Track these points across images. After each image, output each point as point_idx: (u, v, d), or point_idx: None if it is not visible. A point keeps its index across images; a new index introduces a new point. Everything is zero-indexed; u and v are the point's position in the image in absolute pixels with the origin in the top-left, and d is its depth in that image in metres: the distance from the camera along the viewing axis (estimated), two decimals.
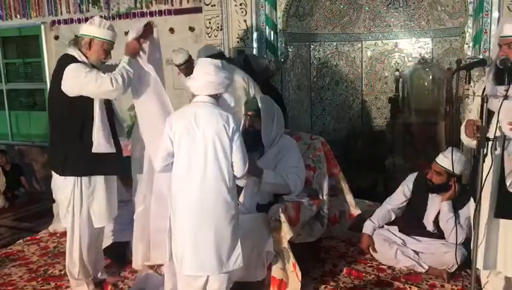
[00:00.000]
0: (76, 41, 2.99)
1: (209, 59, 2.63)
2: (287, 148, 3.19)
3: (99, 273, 3.30)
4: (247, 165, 2.57)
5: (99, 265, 3.29)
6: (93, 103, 2.93)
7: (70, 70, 2.86)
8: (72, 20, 6.41)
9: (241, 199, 3.15)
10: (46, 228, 4.42)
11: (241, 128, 3.32)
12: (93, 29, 2.94)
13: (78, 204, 3.03)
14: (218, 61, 2.59)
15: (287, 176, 3.04)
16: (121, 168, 3.16)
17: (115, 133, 3.11)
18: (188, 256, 2.51)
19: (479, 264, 2.54)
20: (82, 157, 2.98)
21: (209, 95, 2.55)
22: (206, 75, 2.52)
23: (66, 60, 2.94)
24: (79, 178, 3.01)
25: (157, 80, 3.01)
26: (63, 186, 3.05)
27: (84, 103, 2.91)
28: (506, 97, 2.26)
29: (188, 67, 4.60)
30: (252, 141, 3.18)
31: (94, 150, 2.95)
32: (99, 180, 3.06)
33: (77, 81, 2.84)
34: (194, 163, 2.48)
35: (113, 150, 3.01)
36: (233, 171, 2.53)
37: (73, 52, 2.95)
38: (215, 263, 2.49)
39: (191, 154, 2.49)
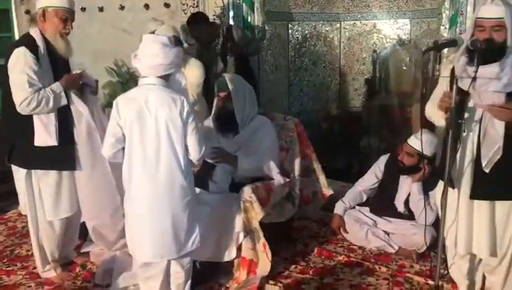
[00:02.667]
0: (32, 17, 2.81)
1: (155, 36, 2.39)
2: (263, 130, 3.17)
3: (69, 254, 3.25)
4: (204, 148, 2.46)
5: (69, 249, 3.24)
6: None
7: (12, 58, 2.69)
8: None
9: (214, 178, 3.12)
10: (15, 207, 4.33)
11: (213, 110, 3.28)
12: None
13: (29, 195, 2.93)
14: (165, 38, 2.37)
15: (262, 159, 3.02)
16: (70, 164, 2.89)
17: (68, 124, 2.86)
18: (147, 244, 2.44)
19: (451, 246, 2.57)
20: (26, 150, 2.80)
21: (159, 76, 2.38)
22: (153, 57, 2.32)
23: (18, 43, 2.79)
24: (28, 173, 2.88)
25: (90, 122, 2.88)
26: (15, 173, 2.96)
27: None
28: (474, 78, 2.25)
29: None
30: (226, 122, 3.15)
31: (36, 142, 2.78)
32: (50, 174, 2.89)
33: (11, 74, 2.69)
34: (148, 150, 2.37)
35: (54, 143, 2.79)
36: (189, 156, 2.43)
37: (32, 31, 2.77)
38: (173, 248, 2.43)
39: (143, 140, 2.36)
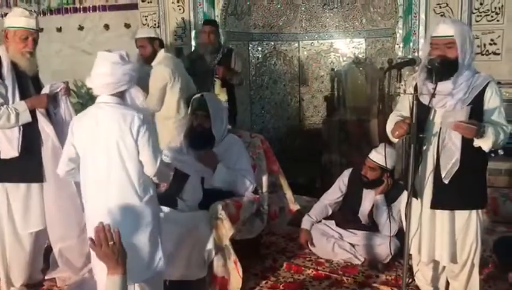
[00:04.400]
0: (1, 37, 2.87)
1: (105, 54, 2.33)
2: (236, 148, 3.25)
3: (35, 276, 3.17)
4: (159, 162, 2.37)
5: (34, 270, 3.15)
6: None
7: None
8: None
9: (184, 196, 3.14)
10: None
11: (187, 127, 3.32)
12: (6, 20, 2.84)
13: None
14: (115, 56, 2.31)
15: (239, 176, 3.14)
16: (37, 176, 2.90)
17: (35, 137, 2.87)
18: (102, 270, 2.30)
19: (415, 254, 2.68)
20: None
21: (111, 94, 2.34)
22: (101, 76, 2.30)
23: None
24: None
25: (54, 142, 2.89)
26: None
27: None
28: (433, 95, 2.39)
29: None
30: (201, 139, 3.19)
31: (1, 155, 2.82)
32: (19, 187, 2.90)
33: None
34: (99, 169, 2.34)
35: (16, 154, 2.81)
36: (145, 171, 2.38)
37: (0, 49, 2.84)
38: (134, 272, 2.19)
39: (95, 160, 2.34)
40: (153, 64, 4.08)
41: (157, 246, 2.46)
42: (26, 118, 2.81)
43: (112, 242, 1.72)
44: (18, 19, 2.83)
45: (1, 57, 2.82)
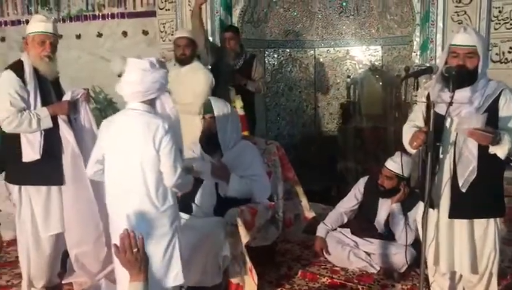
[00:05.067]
0: (23, 44, 2.98)
1: (135, 61, 2.33)
2: (249, 154, 3.23)
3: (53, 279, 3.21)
4: (178, 174, 2.34)
5: (52, 273, 3.19)
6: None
7: (0, 79, 2.85)
8: (19, 22, 6.20)
9: (197, 201, 3.15)
10: None
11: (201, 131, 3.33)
12: (28, 27, 2.93)
13: (20, 213, 2.97)
14: (145, 63, 2.31)
15: (253, 184, 3.12)
16: (57, 179, 2.94)
17: (55, 141, 2.92)
18: (123, 277, 2.26)
19: (431, 264, 2.65)
20: (17, 167, 2.92)
21: (141, 101, 2.35)
22: (131, 84, 2.31)
23: (6, 67, 2.91)
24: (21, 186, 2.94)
25: (74, 149, 2.92)
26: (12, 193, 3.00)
27: None
28: (451, 103, 2.37)
29: None
30: (209, 144, 3.20)
31: (23, 159, 2.88)
32: (41, 190, 2.95)
33: None
34: (120, 175, 2.36)
35: (37, 157, 2.87)
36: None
37: (22, 56, 2.92)
38: (151, 283, 2.09)
39: (117, 165, 2.37)
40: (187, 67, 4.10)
41: (174, 259, 2.40)
42: (47, 123, 2.87)
43: (136, 249, 1.74)
44: (36, 24, 2.91)
45: (23, 63, 2.89)
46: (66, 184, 2.96)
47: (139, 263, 1.74)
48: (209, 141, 3.17)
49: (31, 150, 2.88)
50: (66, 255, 3.23)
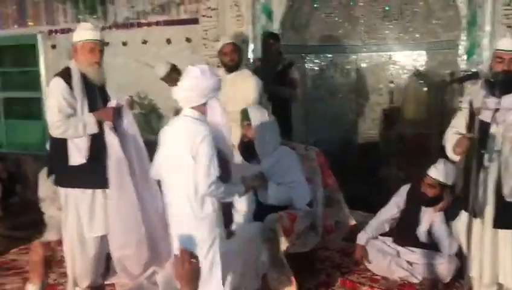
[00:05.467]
0: (70, 52, 3.13)
1: (190, 68, 2.47)
2: (287, 161, 3.22)
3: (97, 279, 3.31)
4: (211, 181, 2.36)
5: (97, 274, 3.29)
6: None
7: (49, 87, 3.03)
8: (69, 30, 6.40)
9: (237, 207, 3.17)
10: (40, 237, 4.39)
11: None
12: (74, 35, 3.05)
13: (66, 215, 3.09)
14: (197, 71, 2.42)
15: (291, 190, 3.13)
16: (101, 182, 3.04)
17: (101, 146, 3.01)
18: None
19: (476, 275, 2.57)
20: (63, 170, 3.04)
21: (192, 107, 2.47)
22: (183, 90, 2.45)
23: (56, 74, 3.04)
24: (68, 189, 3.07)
25: (119, 155, 3.00)
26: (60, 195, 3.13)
27: None
28: (497, 110, 2.30)
29: (171, 79, 4.55)
30: (247, 151, 3.22)
31: (70, 162, 3.00)
32: (85, 193, 3.06)
33: (47, 100, 3.03)
34: (169, 180, 2.51)
35: (83, 161, 2.98)
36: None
37: (70, 63, 3.04)
38: None
39: (167, 171, 2.51)
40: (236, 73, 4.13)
41: (215, 266, 2.44)
42: (92, 129, 2.98)
43: (193, 260, 1.78)
44: (84, 32, 3.03)
45: (71, 70, 3.01)
46: (110, 188, 3.05)
47: (193, 275, 1.78)
48: (247, 148, 3.20)
49: (77, 154, 3.00)
50: (109, 256, 3.33)
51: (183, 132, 2.45)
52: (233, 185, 2.59)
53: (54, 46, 6.58)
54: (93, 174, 3.03)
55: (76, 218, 3.08)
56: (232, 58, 4.11)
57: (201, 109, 2.48)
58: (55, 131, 2.96)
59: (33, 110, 7.12)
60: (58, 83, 2.97)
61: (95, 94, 3.10)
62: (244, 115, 3.20)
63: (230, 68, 4.12)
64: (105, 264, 3.37)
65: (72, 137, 2.98)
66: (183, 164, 2.40)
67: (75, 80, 3.00)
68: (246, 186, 2.74)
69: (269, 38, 4.75)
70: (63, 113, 2.93)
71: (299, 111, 6.00)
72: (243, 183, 2.72)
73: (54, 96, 2.96)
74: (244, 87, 4.00)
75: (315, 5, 5.81)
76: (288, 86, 4.57)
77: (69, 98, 2.97)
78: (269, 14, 5.27)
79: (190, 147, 2.38)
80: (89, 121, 2.97)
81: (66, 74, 3.00)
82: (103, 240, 3.17)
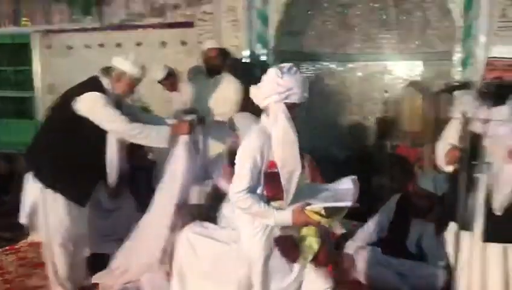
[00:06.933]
0: (107, 71, 3.11)
1: (269, 69, 2.28)
2: None
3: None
4: (236, 190, 2.27)
5: (78, 274, 3.25)
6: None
7: (87, 101, 2.99)
8: (64, 30, 6.41)
9: (225, 212, 3.13)
10: (26, 238, 4.34)
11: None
12: (127, 64, 3.06)
13: (41, 217, 3.08)
14: (271, 72, 2.23)
15: None
16: (79, 199, 3.09)
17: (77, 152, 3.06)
18: None
19: (463, 287, 2.54)
20: (49, 168, 3.06)
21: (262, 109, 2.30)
22: (254, 90, 2.30)
23: (90, 84, 3.07)
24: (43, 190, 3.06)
25: (179, 170, 3.09)
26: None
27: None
28: (488, 121, 2.28)
29: (168, 83, 4.54)
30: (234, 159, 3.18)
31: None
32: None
33: (95, 113, 3.00)
34: None
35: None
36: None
37: (105, 82, 3.07)
38: None
39: None
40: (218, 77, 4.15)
41: None
42: (162, 142, 3.10)
43: None
44: (138, 70, 3.08)
45: (105, 88, 3.05)
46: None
47: None
48: (234, 156, 3.16)
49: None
50: (94, 258, 3.29)
51: None
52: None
53: (49, 46, 6.54)
54: (78, 188, 3.06)
55: (58, 221, 3.04)
56: (213, 63, 4.13)
57: (267, 111, 2.33)
58: (132, 131, 3.03)
59: (26, 109, 7.07)
60: (101, 96, 2.99)
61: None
62: (231, 122, 3.18)
63: (212, 72, 4.11)
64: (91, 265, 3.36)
65: (142, 143, 3.15)
66: None
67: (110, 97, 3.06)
68: None
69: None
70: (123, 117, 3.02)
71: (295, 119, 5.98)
72: None
73: (105, 107, 2.98)
74: (227, 90, 4.00)
75: (309, 12, 5.79)
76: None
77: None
78: (265, 20, 5.25)
79: None
80: (163, 133, 3.04)
81: (100, 90, 3.02)
82: (82, 243, 3.17)
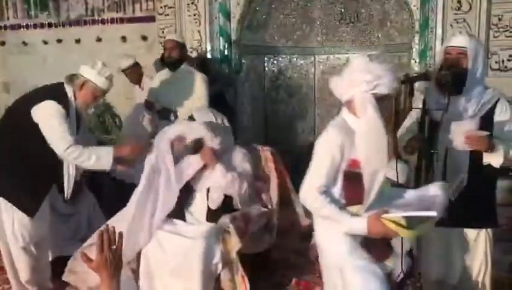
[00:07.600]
0: (71, 78, 2.98)
1: (354, 60, 2.10)
2: (237, 161, 3.20)
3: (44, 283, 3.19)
4: (306, 187, 2.23)
5: (43, 277, 3.17)
6: None
7: (45, 109, 2.86)
8: (19, 26, 6.21)
9: (190, 208, 3.12)
10: None
11: None
12: (92, 72, 2.93)
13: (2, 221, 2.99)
14: (354, 62, 2.07)
15: None
16: (27, 209, 2.97)
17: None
18: None
19: (426, 273, 2.61)
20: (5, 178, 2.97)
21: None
22: (336, 80, 2.14)
23: (52, 91, 2.93)
24: None
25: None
26: None
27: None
28: (446, 110, 2.34)
29: (132, 72, 4.52)
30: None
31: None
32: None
33: (46, 123, 2.85)
34: None
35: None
36: None
37: (68, 89, 2.94)
38: None
39: None
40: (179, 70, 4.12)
41: None
42: (105, 165, 2.94)
43: (114, 246, 1.61)
44: (103, 79, 2.95)
45: (68, 97, 2.93)
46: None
47: (113, 264, 1.59)
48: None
49: None
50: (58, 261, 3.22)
51: None
52: None
53: (3, 43, 6.33)
54: (31, 198, 2.95)
55: (19, 225, 2.96)
56: (169, 55, 4.09)
57: (348, 105, 2.17)
58: (69, 156, 2.87)
59: None
60: (57, 108, 2.85)
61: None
62: (191, 119, 3.17)
63: (170, 65, 4.09)
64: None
65: (83, 165, 2.96)
66: None
67: (72, 108, 2.94)
68: None
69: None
70: (72, 137, 2.87)
71: (258, 112, 6.00)
72: None
73: (59, 121, 2.84)
74: (191, 83, 3.98)
75: (273, 6, 5.81)
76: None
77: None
78: (226, 14, 5.24)
79: None
80: (105, 156, 2.89)
81: (62, 99, 2.90)
82: (44, 246, 3.11)
